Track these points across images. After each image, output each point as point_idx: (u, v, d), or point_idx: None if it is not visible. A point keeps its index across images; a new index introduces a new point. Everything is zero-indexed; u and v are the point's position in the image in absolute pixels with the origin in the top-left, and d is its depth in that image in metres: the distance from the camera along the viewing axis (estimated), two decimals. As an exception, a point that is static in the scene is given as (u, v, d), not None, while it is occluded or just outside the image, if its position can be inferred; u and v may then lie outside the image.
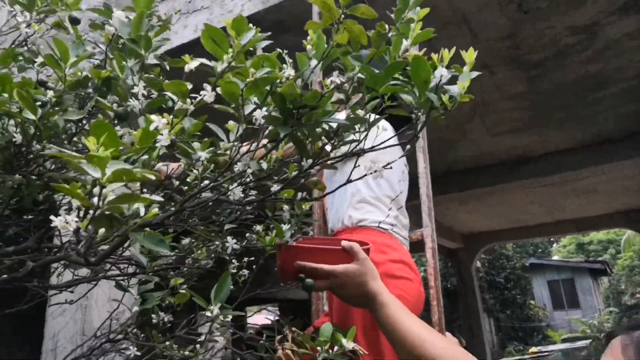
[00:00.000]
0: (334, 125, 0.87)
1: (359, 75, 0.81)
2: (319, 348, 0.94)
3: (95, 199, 0.59)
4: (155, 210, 0.80)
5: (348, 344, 0.93)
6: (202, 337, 0.86)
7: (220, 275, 1.44)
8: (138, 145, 0.75)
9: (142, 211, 0.74)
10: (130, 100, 0.98)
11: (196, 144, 0.97)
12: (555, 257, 25.68)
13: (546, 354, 10.19)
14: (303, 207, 1.22)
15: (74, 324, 2.80)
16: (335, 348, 0.94)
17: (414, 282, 1.36)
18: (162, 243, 0.71)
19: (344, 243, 1.03)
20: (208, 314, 0.87)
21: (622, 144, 5.36)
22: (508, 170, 5.97)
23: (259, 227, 1.36)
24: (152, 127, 0.78)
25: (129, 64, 0.98)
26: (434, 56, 0.74)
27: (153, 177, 0.57)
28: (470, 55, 0.73)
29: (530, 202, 7.66)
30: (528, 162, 5.82)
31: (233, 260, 1.47)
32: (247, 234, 1.38)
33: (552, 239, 26.36)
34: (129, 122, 1.01)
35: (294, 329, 1.03)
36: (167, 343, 0.94)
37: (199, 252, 1.36)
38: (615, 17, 3.18)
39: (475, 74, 0.73)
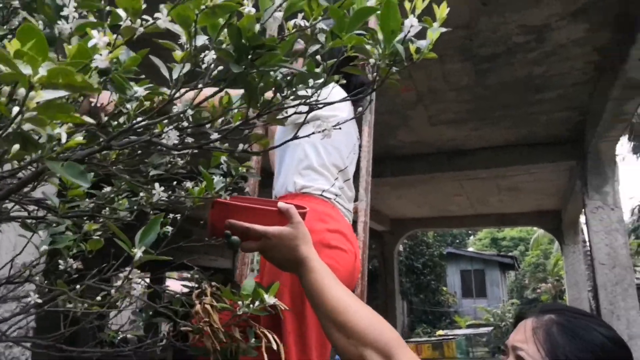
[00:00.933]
0: (288, 77, 0.79)
1: (323, 26, 0.73)
2: (239, 303, 0.89)
3: (15, 109, 0.47)
4: (79, 138, 0.69)
5: (269, 299, 0.88)
6: (119, 282, 0.76)
7: (139, 230, 1.33)
8: (71, 63, 0.63)
9: (63, 138, 0.63)
10: (58, 22, 0.84)
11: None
12: (470, 249, 27.22)
13: (451, 337, 10.84)
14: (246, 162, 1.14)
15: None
16: (257, 303, 0.89)
17: (348, 254, 1.33)
18: (83, 175, 0.60)
19: (280, 204, 0.98)
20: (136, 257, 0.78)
21: (548, 147, 5.66)
22: (443, 161, 6.13)
23: (189, 184, 1.27)
24: (90, 44, 0.67)
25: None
26: (407, 4, 0.68)
27: (95, 86, 0.47)
28: (442, 11, 0.67)
29: (459, 193, 7.97)
30: (463, 154, 6.00)
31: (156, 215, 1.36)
32: (176, 190, 1.28)
33: (469, 232, 27.88)
34: (56, 47, 0.88)
35: (213, 283, 0.96)
36: (72, 291, 0.84)
37: (119, 202, 1.24)
38: (565, 21, 3.28)
39: (444, 29, 0.68)
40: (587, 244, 5.98)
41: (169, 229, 1.40)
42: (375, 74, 0.80)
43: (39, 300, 0.91)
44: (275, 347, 0.92)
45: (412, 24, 0.64)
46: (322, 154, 1.44)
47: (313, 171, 1.42)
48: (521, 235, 26.45)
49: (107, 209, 1.26)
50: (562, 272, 12.94)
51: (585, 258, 8.63)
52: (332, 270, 1.23)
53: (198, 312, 0.93)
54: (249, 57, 0.72)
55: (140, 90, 0.86)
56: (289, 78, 0.78)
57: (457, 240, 27.02)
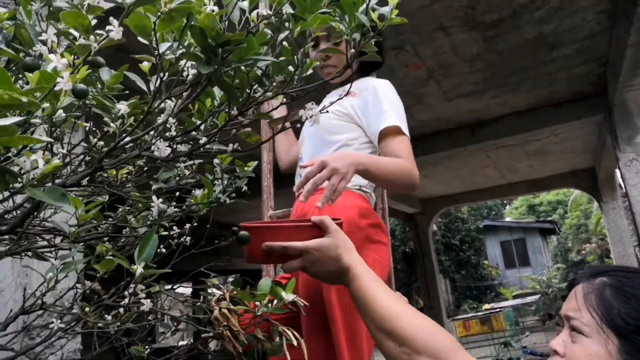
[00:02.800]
0: (265, 68, 0.78)
1: (289, 10, 0.71)
2: (257, 303, 0.88)
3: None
4: (56, 161, 0.69)
5: (288, 296, 0.88)
6: (126, 300, 0.77)
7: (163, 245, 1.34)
8: (31, 90, 0.64)
9: (40, 164, 0.64)
10: (37, 45, 0.85)
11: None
12: (507, 219, 26.71)
13: (498, 310, 10.67)
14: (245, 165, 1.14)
15: None
16: (275, 302, 0.88)
17: (387, 246, 1.36)
18: (63, 197, 0.61)
19: (314, 217, 0.97)
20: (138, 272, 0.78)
21: (572, 105, 5.48)
22: (465, 134, 6.01)
23: (198, 192, 1.27)
24: (49, 68, 0.67)
25: (34, 6, 0.85)
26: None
27: (25, 100, 0.47)
28: None
29: (486, 165, 7.81)
30: (485, 125, 5.87)
31: (173, 227, 1.38)
32: (187, 200, 1.29)
33: (505, 202, 27.36)
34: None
35: (231, 287, 0.96)
36: (90, 311, 0.86)
37: (133, 220, 1.25)
38: (569, -26, 3.16)
39: None
40: (626, 198, 5.78)
41: (187, 239, 1.41)
42: (352, 50, 0.78)
43: (62, 325, 0.93)
44: (295, 343, 0.91)
45: (371, -8, 0.62)
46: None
47: None
48: (558, 198, 25.78)
49: (127, 228, 1.28)
50: (605, 231, 12.56)
51: (627, 213, 8.35)
52: (376, 264, 1.24)
53: (217, 318, 0.93)
54: (218, 56, 0.71)
55: (123, 107, 0.86)
56: (265, 71, 0.77)
57: (493, 212, 26.53)
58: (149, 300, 0.79)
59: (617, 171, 6.31)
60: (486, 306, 13.45)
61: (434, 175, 8.17)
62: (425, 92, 4.85)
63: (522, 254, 21.88)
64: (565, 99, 5.42)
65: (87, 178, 1.01)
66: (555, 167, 8.60)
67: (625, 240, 8.58)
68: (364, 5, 0.64)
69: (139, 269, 0.73)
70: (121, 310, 0.83)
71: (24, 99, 0.44)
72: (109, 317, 0.90)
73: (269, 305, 0.93)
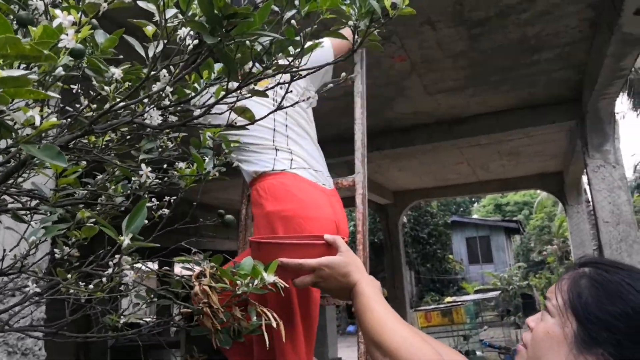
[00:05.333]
0: (267, 45, 0.77)
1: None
2: (238, 282, 0.89)
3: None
4: (53, 119, 0.68)
5: (269, 277, 0.89)
6: (110, 270, 0.76)
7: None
8: (36, 45, 0.62)
9: (37, 120, 0.62)
10: (31, 1, 0.82)
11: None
12: (475, 216, 27.28)
13: (459, 303, 10.96)
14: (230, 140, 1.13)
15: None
16: (255, 282, 0.89)
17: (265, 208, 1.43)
18: (60, 157, 0.59)
19: (327, 237, 1.04)
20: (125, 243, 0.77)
21: (549, 108, 5.60)
22: (444, 130, 6.08)
23: (182, 164, 1.26)
24: (55, 24, 0.65)
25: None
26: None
27: (46, 52, 0.45)
28: None
29: (459, 161, 7.94)
30: (462, 122, 5.95)
31: (152, 199, 1.36)
32: (168, 172, 1.27)
33: (473, 199, 27.92)
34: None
35: (212, 264, 0.96)
36: (70, 277, 0.84)
37: (112, 188, 1.23)
38: (557, -21, 3.21)
39: None
40: (591, 203, 5.98)
41: (165, 211, 1.40)
42: (356, 36, 0.78)
43: (38, 290, 0.91)
44: (275, 324, 0.92)
45: (386, -20, 0.62)
46: None
47: None
48: (525, 200, 26.47)
49: (103, 196, 1.26)
50: (567, 234, 12.96)
51: (590, 217, 8.64)
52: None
53: (197, 294, 0.93)
54: (223, 27, 0.70)
55: (117, 72, 0.84)
56: (267, 48, 0.77)
57: (462, 209, 27.05)
58: (132, 272, 0.79)
59: (584, 176, 6.50)
60: (448, 299, 13.77)
61: (408, 168, 8.26)
62: (407, 84, 4.88)
63: (486, 251, 22.44)
64: (543, 102, 5.53)
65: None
66: (526, 168, 8.81)
67: (586, 244, 8.89)
68: (375, -6, 0.64)
69: (126, 240, 0.72)
70: (104, 279, 0.82)
71: (45, 52, 0.43)
72: (91, 285, 0.89)
73: (250, 285, 0.94)
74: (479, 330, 10.01)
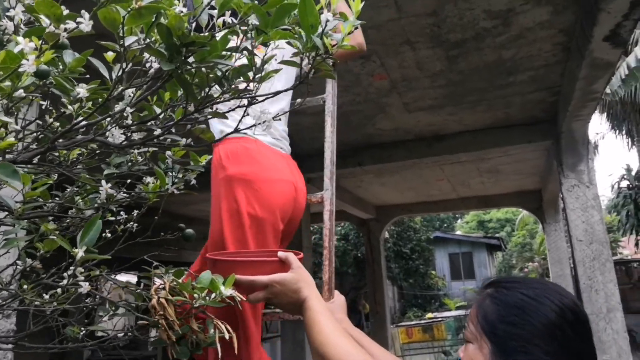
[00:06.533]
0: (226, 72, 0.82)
1: (254, 21, 0.76)
2: (196, 295, 0.93)
3: None
4: (11, 139, 0.71)
5: (226, 291, 0.92)
6: (65, 281, 0.79)
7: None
8: (-2, 69, 0.66)
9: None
10: (3, 20, 0.85)
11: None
12: (458, 232, 27.50)
13: (440, 319, 11.01)
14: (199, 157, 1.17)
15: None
16: (213, 295, 0.93)
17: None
18: (14, 174, 0.63)
19: (280, 254, 1.09)
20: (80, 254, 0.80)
21: (525, 128, 5.74)
22: (423, 146, 6.18)
23: (149, 179, 1.29)
24: (16, 50, 0.69)
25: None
26: (322, 0, 0.71)
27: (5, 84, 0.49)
28: (357, 5, 0.71)
29: (440, 178, 8.05)
30: (442, 139, 6.06)
31: (121, 212, 1.39)
32: (137, 186, 1.31)
33: (457, 215, 28.16)
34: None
35: (172, 277, 0.99)
36: (27, 288, 0.86)
37: (81, 201, 1.26)
38: (529, 5, 3.33)
39: (359, 22, 0.72)
40: (566, 221, 6.09)
41: (134, 225, 1.42)
42: (309, 65, 0.83)
43: (-2, 301, 0.93)
44: (227, 337, 0.95)
45: (327, 18, 0.67)
46: None
47: None
48: (507, 217, 26.80)
49: (74, 209, 1.28)
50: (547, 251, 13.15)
51: (567, 235, 8.80)
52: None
53: (154, 306, 0.96)
54: (182, 55, 0.75)
55: (82, 91, 0.88)
56: (225, 74, 0.81)
57: (445, 225, 27.28)
58: (87, 284, 0.81)
59: (560, 195, 6.64)
60: (429, 315, 13.84)
61: (390, 183, 8.35)
62: (387, 102, 4.97)
63: (469, 267, 22.59)
64: (519, 122, 5.67)
65: (39, 157, 1.02)
66: (505, 186, 8.96)
67: (563, 261, 9.03)
68: (320, 30, 0.69)
69: (80, 252, 0.75)
70: (59, 290, 0.84)
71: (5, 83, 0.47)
72: (47, 297, 0.92)
73: (207, 298, 0.97)
74: (460, 347, 10.04)
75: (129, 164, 1.30)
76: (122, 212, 1.37)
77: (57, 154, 1.28)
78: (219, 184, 1.50)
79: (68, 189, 1.30)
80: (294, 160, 1.69)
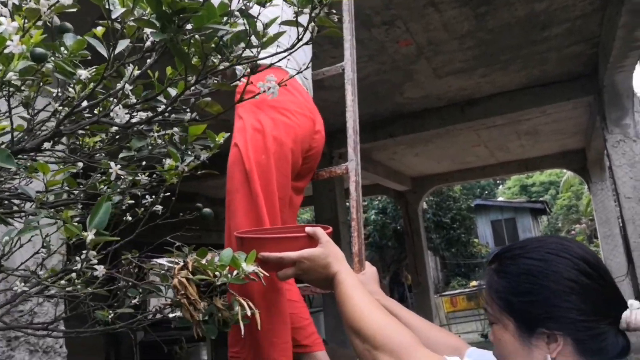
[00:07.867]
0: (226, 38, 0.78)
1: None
2: (217, 273, 0.92)
3: None
4: (3, 123, 0.70)
5: (248, 268, 0.90)
6: (78, 265, 0.79)
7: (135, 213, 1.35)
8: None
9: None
10: None
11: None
12: (500, 198, 26.90)
13: (484, 286, 10.91)
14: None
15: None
16: (235, 272, 0.91)
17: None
18: (9, 159, 0.62)
19: (308, 229, 1.06)
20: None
21: (563, 85, 5.47)
22: (455, 112, 6.00)
23: (169, 161, 1.28)
24: (0, 30, 0.67)
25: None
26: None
27: None
28: None
29: (476, 144, 7.83)
30: (475, 103, 5.86)
31: (146, 196, 1.39)
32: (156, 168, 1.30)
33: (498, 182, 27.52)
34: None
35: (195, 257, 0.98)
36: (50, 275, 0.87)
37: (102, 187, 1.26)
38: (560, -49, 3.12)
39: None
40: (613, 179, 5.83)
41: (159, 207, 1.43)
42: (313, 23, 0.78)
43: (25, 289, 0.95)
44: (249, 314, 0.94)
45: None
46: None
47: None
48: (551, 179, 25.97)
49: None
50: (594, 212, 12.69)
51: (614, 194, 8.43)
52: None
53: (176, 286, 0.95)
54: (174, 24, 0.71)
55: (84, 73, 0.86)
56: (223, 41, 0.77)
57: (486, 192, 26.70)
58: (102, 267, 0.81)
59: (605, 152, 6.33)
60: (473, 283, 13.69)
61: (424, 153, 8.18)
62: (415, 69, 4.83)
63: (512, 233, 22.11)
64: (556, 79, 5.41)
65: (52, 143, 1.01)
66: (546, 147, 8.63)
67: (612, 221, 8.69)
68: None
69: (89, 235, 0.74)
70: (73, 275, 0.84)
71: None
72: (63, 281, 0.92)
73: (229, 275, 0.96)
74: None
75: (149, 147, 1.29)
76: (147, 196, 1.38)
77: (79, 142, 1.28)
78: (245, 110, 1.49)
79: (91, 177, 1.31)
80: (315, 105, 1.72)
